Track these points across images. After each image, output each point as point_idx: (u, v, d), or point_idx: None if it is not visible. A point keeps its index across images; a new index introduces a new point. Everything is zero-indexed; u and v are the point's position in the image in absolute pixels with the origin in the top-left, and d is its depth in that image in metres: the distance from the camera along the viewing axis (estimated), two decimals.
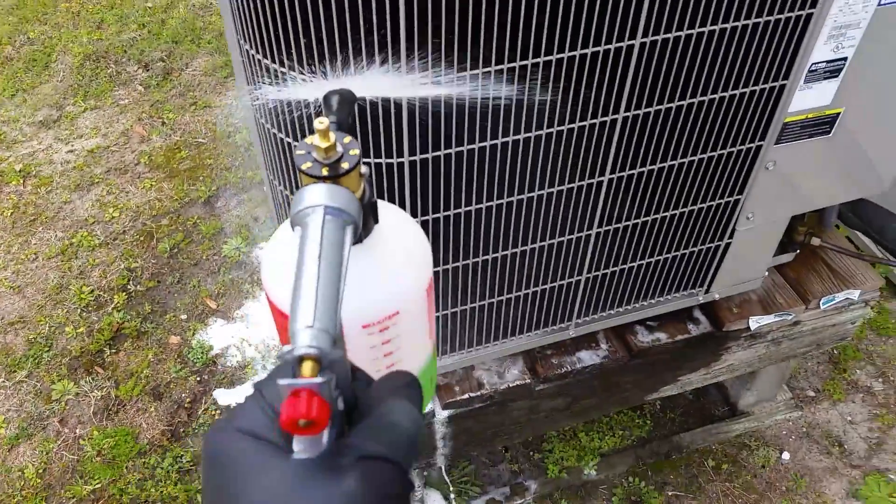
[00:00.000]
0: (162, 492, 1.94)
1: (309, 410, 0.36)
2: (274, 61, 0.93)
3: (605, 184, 1.19)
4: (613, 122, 1.10)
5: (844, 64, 1.15)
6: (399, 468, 0.40)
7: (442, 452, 1.57)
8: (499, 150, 1.07)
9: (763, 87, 1.13)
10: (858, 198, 1.50)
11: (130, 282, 2.40)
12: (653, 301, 1.49)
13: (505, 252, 1.24)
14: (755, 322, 1.58)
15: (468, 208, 1.13)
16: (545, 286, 1.34)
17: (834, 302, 1.63)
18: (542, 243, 1.26)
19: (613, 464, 1.94)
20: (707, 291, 1.50)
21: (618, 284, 1.41)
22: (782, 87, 1.14)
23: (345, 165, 0.47)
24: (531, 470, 1.93)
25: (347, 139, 0.48)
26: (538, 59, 0.97)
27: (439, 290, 1.24)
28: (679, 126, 1.16)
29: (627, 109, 1.09)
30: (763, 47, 1.07)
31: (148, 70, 3.10)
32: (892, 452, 1.99)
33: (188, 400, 2.13)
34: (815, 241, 1.58)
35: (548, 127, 1.07)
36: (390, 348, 0.55)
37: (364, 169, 0.48)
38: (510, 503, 1.88)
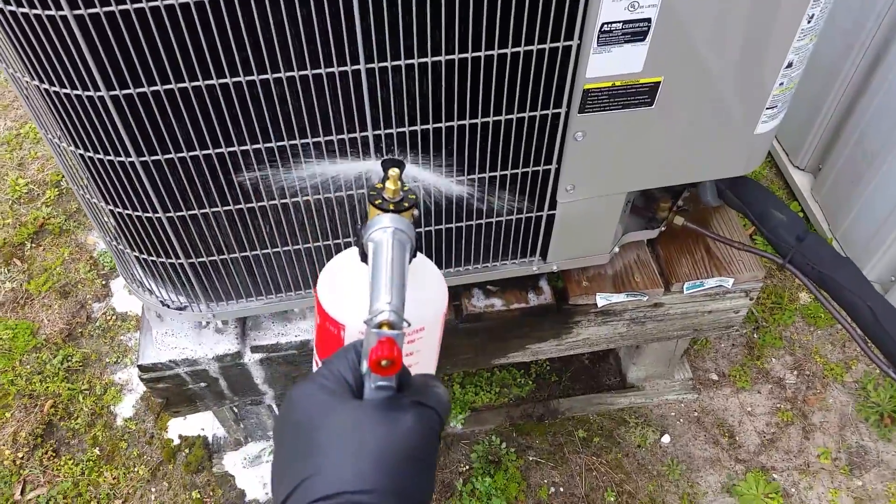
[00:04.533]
0: (47, 388, 1.99)
1: (391, 353, 0.53)
2: None
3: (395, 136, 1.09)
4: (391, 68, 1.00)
5: (649, 26, 1.00)
6: (440, 418, 0.56)
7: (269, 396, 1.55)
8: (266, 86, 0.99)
9: (543, 46, 1.00)
10: (723, 177, 1.36)
11: (65, 178, 2.41)
12: (488, 265, 1.39)
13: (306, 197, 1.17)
14: (602, 299, 1.46)
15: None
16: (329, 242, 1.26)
17: (701, 288, 1.50)
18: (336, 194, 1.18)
19: (482, 420, 1.88)
20: (545, 262, 1.39)
21: (446, 243, 1.31)
22: (567, 47, 1.01)
23: (405, 204, 0.67)
24: None
25: (406, 187, 0.68)
26: None
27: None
28: (466, 83, 1.04)
29: (422, 56, 0.98)
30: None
31: None
32: (784, 451, 1.86)
33: (91, 302, 2.16)
34: (679, 221, 1.44)
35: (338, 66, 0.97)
36: (411, 360, 0.70)
37: (416, 212, 0.68)
38: None
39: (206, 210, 1.14)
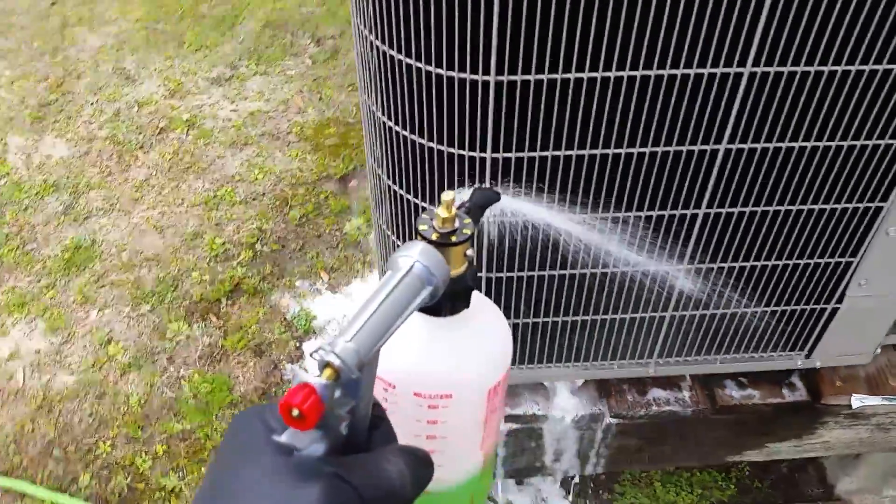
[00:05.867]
0: None
1: (302, 403, 0.40)
2: None
3: (699, 217, 1.13)
4: (715, 151, 1.04)
5: None
6: (361, 502, 0.41)
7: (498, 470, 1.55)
8: (596, 161, 1.04)
9: (879, 142, 1.03)
10: None
11: (259, 241, 2.52)
12: (746, 356, 1.39)
13: (594, 271, 1.20)
14: (858, 400, 1.43)
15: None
16: (628, 315, 1.28)
17: None
18: (628, 269, 1.21)
19: None
20: (808, 357, 1.38)
21: (710, 329, 1.32)
22: None
23: (452, 238, 0.53)
24: None
25: (467, 221, 0.54)
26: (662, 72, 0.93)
27: (519, 296, 1.22)
28: (786, 170, 1.08)
29: (732, 142, 1.03)
30: (880, 97, 0.98)
31: (319, 45, 3.25)
32: None
33: (284, 362, 2.22)
34: None
35: (649, 145, 1.02)
36: (434, 432, 0.58)
37: (470, 252, 0.54)
38: None
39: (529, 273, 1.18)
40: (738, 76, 0.96)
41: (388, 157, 1.10)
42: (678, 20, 0.89)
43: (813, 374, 1.47)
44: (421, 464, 0.45)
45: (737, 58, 0.94)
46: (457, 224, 0.53)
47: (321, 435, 0.43)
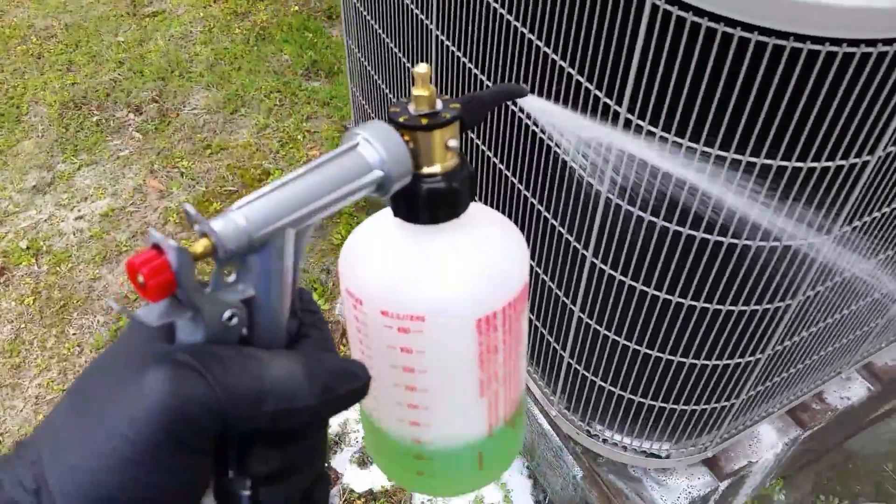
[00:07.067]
0: None
1: (143, 265, 0.32)
2: None
3: None
4: None
5: None
6: (217, 407, 0.33)
7: None
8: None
9: None
10: None
11: None
12: None
13: (836, 317, 1.11)
14: None
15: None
16: (847, 338, 1.22)
17: None
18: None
19: (797, 484, 1.86)
20: None
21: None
22: None
23: (423, 121, 0.41)
24: None
25: (455, 105, 0.42)
26: None
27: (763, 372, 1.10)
28: None
29: None
30: None
31: (140, 113, 2.75)
32: None
33: None
34: None
35: None
36: (411, 363, 0.45)
37: (453, 143, 0.42)
38: None
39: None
40: None
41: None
42: None
43: None
44: (329, 370, 0.37)
45: None
46: (439, 106, 0.42)
47: (193, 317, 0.34)
